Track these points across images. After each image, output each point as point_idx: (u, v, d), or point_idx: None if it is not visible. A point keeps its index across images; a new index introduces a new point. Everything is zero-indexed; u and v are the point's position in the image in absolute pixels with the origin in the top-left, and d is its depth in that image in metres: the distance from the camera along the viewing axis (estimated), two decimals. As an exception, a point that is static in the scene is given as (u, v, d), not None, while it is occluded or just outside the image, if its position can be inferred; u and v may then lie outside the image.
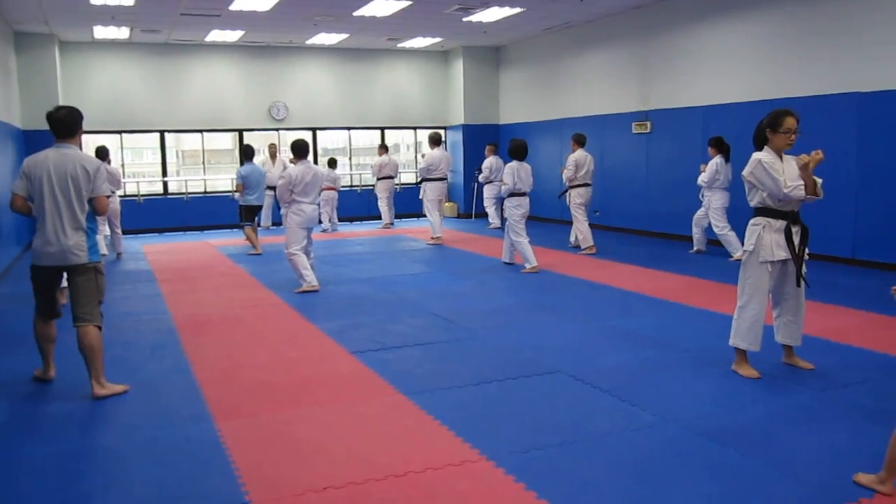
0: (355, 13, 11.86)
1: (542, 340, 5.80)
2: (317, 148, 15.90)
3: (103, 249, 10.20)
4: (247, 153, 11.39)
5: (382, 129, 16.28)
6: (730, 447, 3.65)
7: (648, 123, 11.87)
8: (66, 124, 4.79)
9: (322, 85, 15.61)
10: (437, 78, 16.52)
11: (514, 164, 9.12)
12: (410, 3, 11.16)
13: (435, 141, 11.97)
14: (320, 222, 14.19)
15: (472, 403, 4.42)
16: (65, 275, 4.85)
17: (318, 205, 8.52)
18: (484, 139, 15.25)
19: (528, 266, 8.99)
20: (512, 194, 9.10)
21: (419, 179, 12.19)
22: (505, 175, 9.16)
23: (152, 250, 11.99)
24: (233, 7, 11.15)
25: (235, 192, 11.44)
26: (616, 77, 12.62)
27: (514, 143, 9.24)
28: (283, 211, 8.33)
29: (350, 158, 16.64)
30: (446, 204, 16.47)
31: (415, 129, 16.58)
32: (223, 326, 6.55)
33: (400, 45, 15.27)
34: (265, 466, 3.56)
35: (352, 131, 16.30)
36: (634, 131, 12.15)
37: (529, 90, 15.22)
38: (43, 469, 3.61)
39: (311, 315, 6.89)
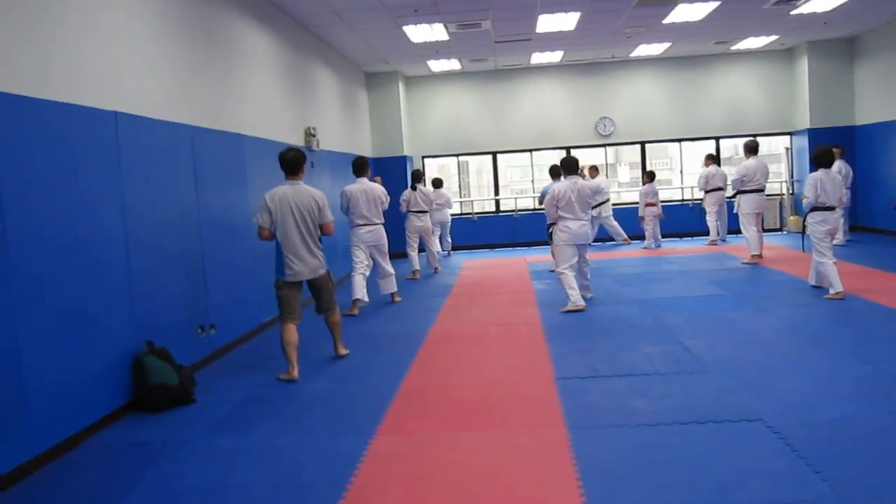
0: (665, 21, 11.36)
1: (776, 381, 5.00)
2: (644, 162, 15.48)
3: (416, 265, 11.24)
4: (551, 171, 11.48)
5: (717, 138, 15.26)
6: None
7: None
8: (293, 164, 5.85)
9: (649, 97, 15.18)
10: (779, 79, 14.97)
11: (818, 173, 7.92)
12: (719, 3, 10.35)
13: (751, 149, 10.88)
14: (643, 239, 13.87)
15: (631, 446, 4.01)
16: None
17: (590, 221, 8.37)
18: (834, 143, 13.41)
19: (831, 291, 7.74)
20: (815, 208, 7.92)
21: (733, 192, 11.21)
22: (806, 187, 8.01)
23: (471, 265, 12.80)
24: (539, 30, 11.45)
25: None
26: None
27: (818, 151, 8.05)
28: (549, 228, 8.35)
29: (681, 172, 15.89)
30: (791, 218, 14.89)
31: (753, 136, 15.18)
32: (463, 343, 6.79)
33: (733, 47, 14.19)
34: (375, 485, 3.67)
35: (682, 143, 15.55)
36: None
37: (892, 83, 13.01)
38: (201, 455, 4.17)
39: (552, 336, 6.80)
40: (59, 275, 4.46)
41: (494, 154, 15.67)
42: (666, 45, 13.52)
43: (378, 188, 8.82)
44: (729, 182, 13.84)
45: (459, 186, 16.55)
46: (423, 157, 15.68)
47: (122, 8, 5.42)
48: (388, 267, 9.09)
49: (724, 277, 9.65)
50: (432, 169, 16.20)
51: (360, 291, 8.58)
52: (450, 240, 14.58)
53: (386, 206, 8.93)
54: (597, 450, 3.98)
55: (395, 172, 14.17)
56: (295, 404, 5.16)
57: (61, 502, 3.74)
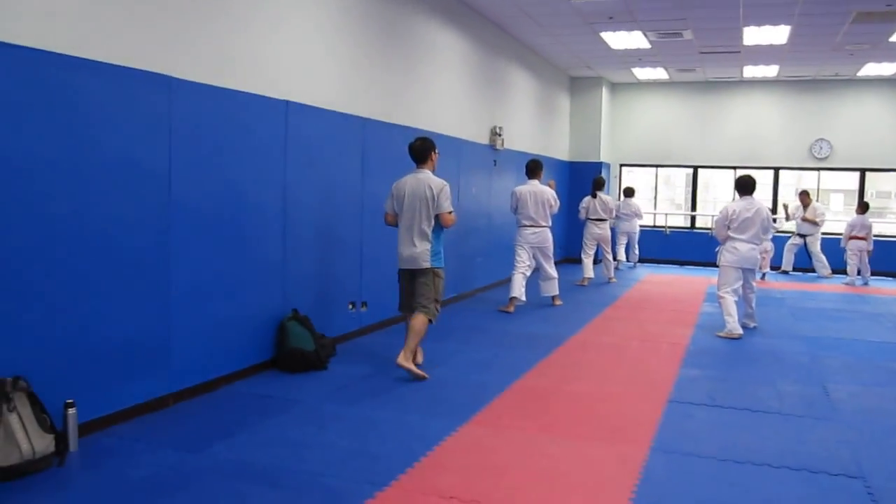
0: (893, 39, 10.39)
1: (907, 442, 4.57)
2: (863, 191, 14.19)
3: (588, 273, 11.24)
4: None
5: (954, 171, 13.64)
6: None
7: None
8: (420, 152, 5.81)
9: (875, 120, 13.87)
10: None
11: None
12: (957, 22, 9.32)
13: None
14: (839, 273, 12.79)
15: (704, 479, 3.90)
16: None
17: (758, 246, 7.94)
18: None
19: None
20: None
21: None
22: None
23: (649, 279, 12.53)
24: (747, 42, 10.94)
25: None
26: None
27: None
28: (717, 249, 8.04)
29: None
30: None
31: None
32: (597, 353, 6.79)
33: (985, 70, 12.63)
34: (437, 467, 3.91)
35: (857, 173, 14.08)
36: None
37: None
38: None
39: (690, 359, 6.61)
40: (217, 242, 5.13)
41: (695, 168, 15.13)
42: (899, 64, 12.33)
43: (548, 191, 8.95)
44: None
45: (655, 198, 16.10)
46: (621, 165, 15.51)
47: (307, 7, 6.04)
48: (552, 270, 9.19)
49: (922, 325, 8.73)
50: (648, 177, 15.89)
51: (518, 290, 8.78)
52: (637, 251, 14.31)
53: (555, 209, 9.04)
54: (667, 475, 3.92)
55: (591, 178, 14.14)
56: (408, 385, 5.50)
57: (182, 432, 4.35)
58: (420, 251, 5.67)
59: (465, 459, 4.05)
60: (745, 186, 7.89)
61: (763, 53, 11.72)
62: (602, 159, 14.75)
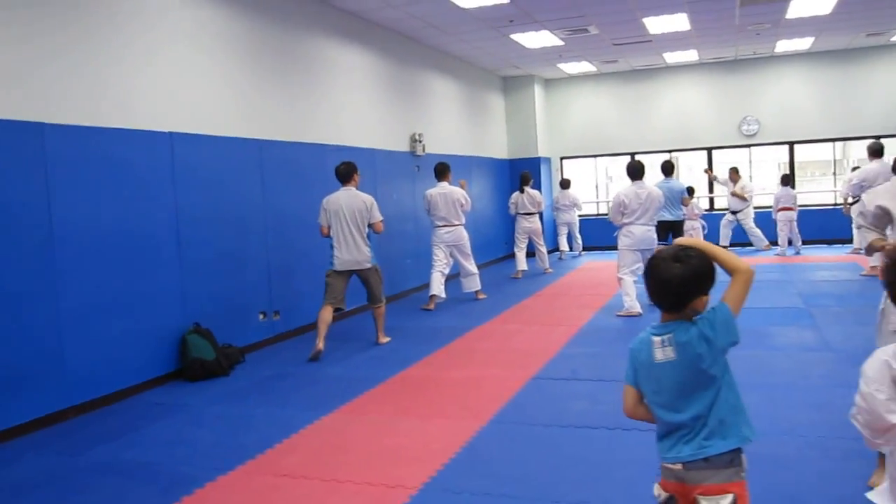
0: (788, 17, 10.88)
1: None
2: (793, 163, 14.69)
3: (521, 266, 11.71)
4: (663, 169, 11.38)
5: (877, 137, 14.05)
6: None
7: None
8: (344, 174, 7.12)
9: (798, 94, 14.36)
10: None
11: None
12: (838, -4, 9.82)
13: (874, 152, 10.13)
14: (776, 244, 13.28)
15: (523, 443, 4.40)
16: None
17: (655, 228, 8.45)
18: None
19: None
20: None
21: (850, 200, 10.52)
22: None
23: (587, 267, 13.00)
24: (653, 31, 11.43)
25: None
26: None
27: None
28: (615, 234, 8.52)
29: (834, 174, 14.88)
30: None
31: (918, 136, 13.90)
32: (490, 341, 7.28)
33: (893, 38, 13.10)
34: (287, 451, 4.41)
35: (836, 143, 14.56)
36: None
37: None
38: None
39: (578, 339, 7.10)
40: (106, 268, 5.62)
41: (632, 155, 15.58)
42: (809, 39, 12.80)
43: (458, 191, 9.44)
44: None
45: (597, 187, 16.60)
46: (562, 159, 16.00)
47: (182, 42, 6.53)
48: (470, 266, 9.68)
49: (824, 289, 9.23)
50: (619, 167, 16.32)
51: (437, 288, 9.27)
52: (579, 241, 14.78)
53: (467, 208, 9.52)
54: (490, 443, 4.41)
55: (532, 174, 14.63)
56: (300, 384, 6.00)
57: (71, 440, 4.84)
58: (365, 253, 7.00)
59: (315, 443, 4.55)
60: (634, 172, 8.37)
61: (675, 40, 12.20)
62: (540, 154, 15.24)
